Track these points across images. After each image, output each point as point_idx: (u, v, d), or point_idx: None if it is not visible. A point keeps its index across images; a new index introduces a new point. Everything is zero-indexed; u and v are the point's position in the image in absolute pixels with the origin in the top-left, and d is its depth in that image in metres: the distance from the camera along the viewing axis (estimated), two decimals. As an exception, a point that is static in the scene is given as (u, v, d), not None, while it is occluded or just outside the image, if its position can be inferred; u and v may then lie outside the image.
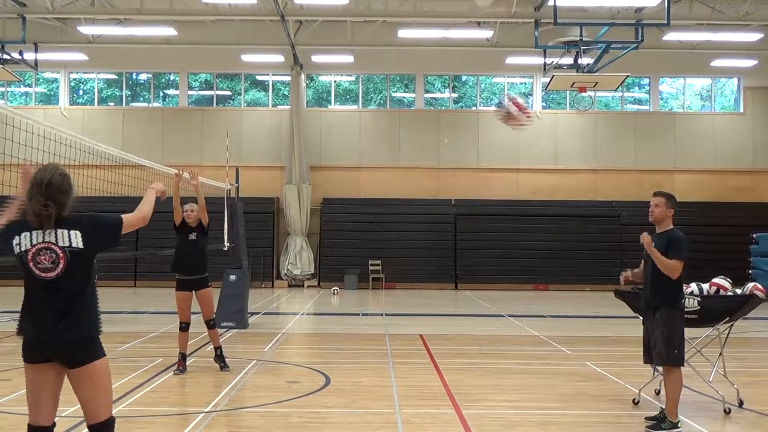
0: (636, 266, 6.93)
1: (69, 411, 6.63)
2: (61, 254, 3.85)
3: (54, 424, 4.03)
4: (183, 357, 9.02)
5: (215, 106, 27.94)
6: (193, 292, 9.16)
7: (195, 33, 25.90)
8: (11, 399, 7.36)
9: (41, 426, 3.95)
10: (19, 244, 3.90)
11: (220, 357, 9.22)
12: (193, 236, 9.23)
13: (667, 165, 27.27)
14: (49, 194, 3.87)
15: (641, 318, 6.86)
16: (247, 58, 26.03)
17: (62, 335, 3.83)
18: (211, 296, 9.34)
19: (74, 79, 28.27)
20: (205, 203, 9.25)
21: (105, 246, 4.04)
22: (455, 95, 28.64)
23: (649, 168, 27.11)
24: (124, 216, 4.10)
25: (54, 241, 3.86)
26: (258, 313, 16.22)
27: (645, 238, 6.47)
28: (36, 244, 3.86)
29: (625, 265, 6.69)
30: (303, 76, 26.75)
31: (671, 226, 6.57)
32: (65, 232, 3.88)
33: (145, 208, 4.25)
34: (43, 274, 3.84)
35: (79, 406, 4.01)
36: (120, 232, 4.07)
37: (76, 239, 3.89)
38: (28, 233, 3.90)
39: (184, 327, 9.09)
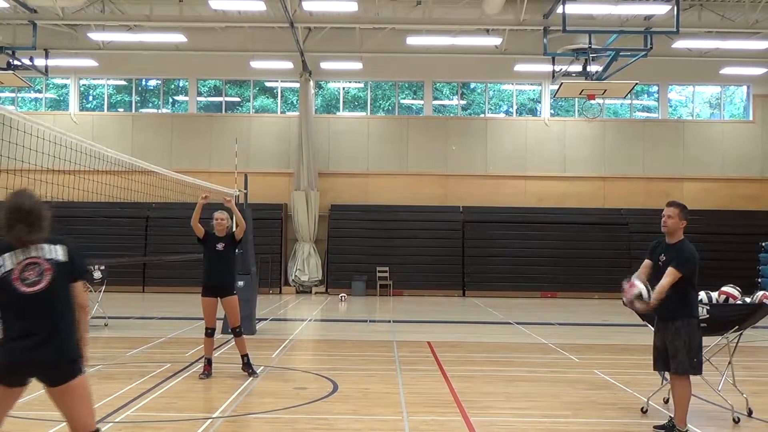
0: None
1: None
2: (47, 266, 3.95)
3: None
4: (209, 362, 9.02)
5: (224, 112, 28.04)
6: (218, 298, 9.14)
7: (204, 39, 26.01)
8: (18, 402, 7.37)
9: None
10: (2, 265, 3.91)
11: (247, 365, 9.13)
12: (220, 246, 9.16)
13: (676, 173, 27.20)
14: (33, 221, 3.94)
15: (650, 326, 6.83)
16: (255, 64, 26.11)
17: (45, 356, 3.87)
18: (236, 303, 9.27)
19: (84, 85, 28.43)
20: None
21: (76, 267, 4.10)
22: (463, 102, 28.65)
23: (658, 176, 27.05)
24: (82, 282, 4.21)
25: (40, 255, 3.96)
26: (266, 319, 16.23)
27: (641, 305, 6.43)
28: (22, 260, 3.92)
29: (633, 272, 6.63)
30: (311, 83, 26.82)
31: (682, 237, 6.55)
32: (51, 246, 4.01)
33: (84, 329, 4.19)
34: (28, 289, 3.87)
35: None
36: (83, 274, 4.22)
37: (61, 252, 4.03)
38: (11, 253, 3.94)
39: (210, 333, 9.08)
